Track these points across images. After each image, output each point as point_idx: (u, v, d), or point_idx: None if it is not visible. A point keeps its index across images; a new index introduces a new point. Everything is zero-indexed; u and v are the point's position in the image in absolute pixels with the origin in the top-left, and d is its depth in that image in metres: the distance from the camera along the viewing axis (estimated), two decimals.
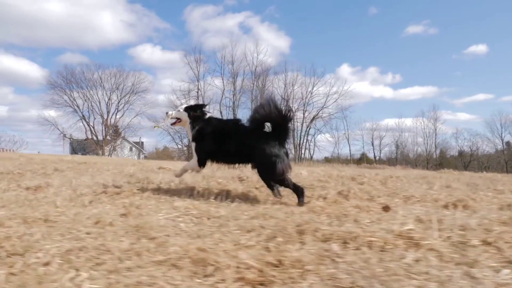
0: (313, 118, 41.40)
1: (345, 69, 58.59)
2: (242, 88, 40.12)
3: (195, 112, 3.83)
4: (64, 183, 4.25)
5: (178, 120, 3.97)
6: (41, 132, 50.21)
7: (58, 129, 41.15)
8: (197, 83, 40.43)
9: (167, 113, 4.07)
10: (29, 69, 51.64)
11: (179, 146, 42.42)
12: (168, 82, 42.66)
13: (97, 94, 42.26)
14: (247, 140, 3.45)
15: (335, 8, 58.90)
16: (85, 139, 42.48)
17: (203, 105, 3.96)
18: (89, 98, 41.92)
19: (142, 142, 51.11)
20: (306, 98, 41.13)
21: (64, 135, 41.56)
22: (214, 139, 3.62)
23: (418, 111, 69.54)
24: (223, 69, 40.77)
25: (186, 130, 4.05)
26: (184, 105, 4.07)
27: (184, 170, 3.97)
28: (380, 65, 66.18)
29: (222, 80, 40.35)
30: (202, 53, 41.67)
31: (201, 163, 3.74)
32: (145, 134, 43.36)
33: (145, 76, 45.47)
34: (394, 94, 59.63)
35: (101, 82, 42.27)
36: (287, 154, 3.40)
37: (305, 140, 41.96)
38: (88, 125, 42.38)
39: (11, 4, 44.19)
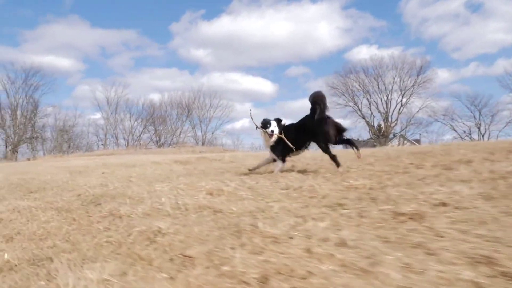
0: None
1: None
2: None
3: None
4: None
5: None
6: None
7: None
8: None
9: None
10: (263, 86, 61.37)
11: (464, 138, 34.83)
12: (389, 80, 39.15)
13: (378, 91, 39.90)
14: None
15: None
16: (369, 139, 40.34)
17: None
18: (367, 99, 40.34)
19: (419, 140, 41.56)
20: None
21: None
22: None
23: None
24: None
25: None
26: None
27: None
28: None
29: None
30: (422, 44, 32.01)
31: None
32: (425, 133, 39.12)
33: (428, 62, 39.35)
34: None
35: (380, 77, 39.75)
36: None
37: None
38: (368, 124, 40.81)
39: (250, 34, 53.75)
